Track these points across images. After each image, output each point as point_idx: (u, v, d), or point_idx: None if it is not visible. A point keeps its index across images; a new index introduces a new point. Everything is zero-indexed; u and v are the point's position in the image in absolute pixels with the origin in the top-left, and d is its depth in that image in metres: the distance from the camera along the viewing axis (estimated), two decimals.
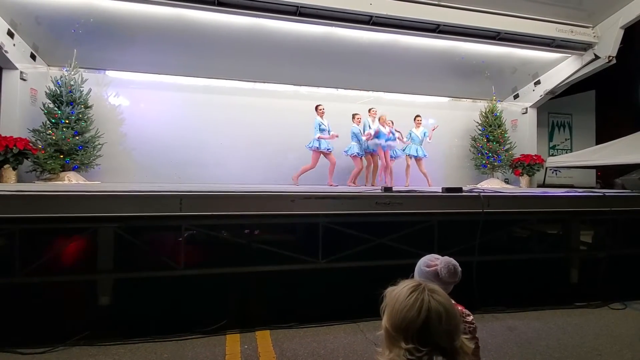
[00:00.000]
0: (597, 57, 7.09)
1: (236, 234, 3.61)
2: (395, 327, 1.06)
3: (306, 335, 3.27)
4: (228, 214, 3.23)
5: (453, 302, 1.64)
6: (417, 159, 7.52)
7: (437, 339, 1.03)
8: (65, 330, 3.03)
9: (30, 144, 6.00)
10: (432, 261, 1.74)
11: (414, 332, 1.03)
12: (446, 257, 1.73)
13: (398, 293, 1.10)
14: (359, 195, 3.60)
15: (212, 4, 5.57)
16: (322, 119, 6.70)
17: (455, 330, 1.07)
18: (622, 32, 6.70)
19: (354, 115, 6.91)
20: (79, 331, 3.04)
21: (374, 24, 6.19)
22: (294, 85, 8.24)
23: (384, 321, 1.10)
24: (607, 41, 6.87)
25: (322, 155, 6.72)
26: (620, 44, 6.79)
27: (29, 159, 6.01)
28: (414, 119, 7.63)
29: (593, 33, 7.04)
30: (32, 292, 3.21)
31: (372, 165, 7.19)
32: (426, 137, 7.58)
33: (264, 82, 8.11)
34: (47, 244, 3.21)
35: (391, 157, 7.26)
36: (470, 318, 1.62)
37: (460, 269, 1.69)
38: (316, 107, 6.78)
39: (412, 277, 1.79)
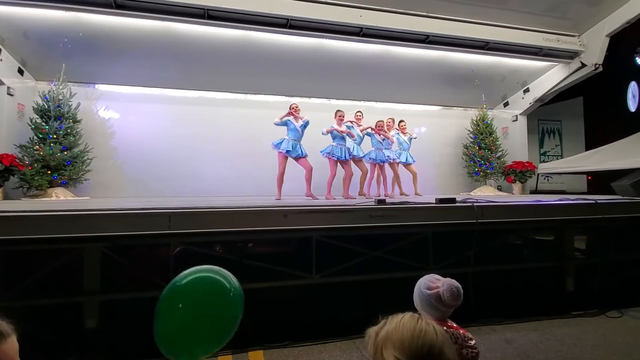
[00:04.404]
0: (583, 65, 7.19)
1: (227, 251, 3.53)
2: (412, 355, 0.99)
3: (301, 355, 3.18)
4: (218, 231, 3.16)
5: (455, 324, 1.60)
6: (407, 165, 7.38)
7: None
8: (50, 355, 2.92)
9: (17, 160, 5.87)
10: (433, 282, 1.65)
11: (436, 357, 0.99)
12: (448, 279, 1.63)
13: (401, 324, 1.05)
14: (352, 208, 3.55)
15: (202, 17, 5.55)
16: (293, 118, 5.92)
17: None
18: (607, 40, 6.78)
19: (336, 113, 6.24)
20: (64, 356, 2.93)
21: (364, 35, 6.21)
22: (286, 96, 8.21)
23: (390, 354, 1.01)
24: (593, 49, 6.97)
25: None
26: (607, 51, 6.89)
27: (16, 176, 5.88)
28: (398, 124, 7.38)
29: (579, 42, 7.15)
30: (14, 316, 3.09)
31: (361, 173, 6.63)
32: (411, 140, 7.39)
33: (255, 94, 8.10)
34: (31, 266, 3.10)
35: (382, 161, 6.83)
36: (473, 342, 1.53)
37: (462, 290, 1.62)
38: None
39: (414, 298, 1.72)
